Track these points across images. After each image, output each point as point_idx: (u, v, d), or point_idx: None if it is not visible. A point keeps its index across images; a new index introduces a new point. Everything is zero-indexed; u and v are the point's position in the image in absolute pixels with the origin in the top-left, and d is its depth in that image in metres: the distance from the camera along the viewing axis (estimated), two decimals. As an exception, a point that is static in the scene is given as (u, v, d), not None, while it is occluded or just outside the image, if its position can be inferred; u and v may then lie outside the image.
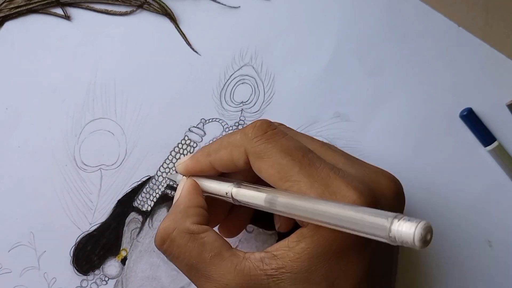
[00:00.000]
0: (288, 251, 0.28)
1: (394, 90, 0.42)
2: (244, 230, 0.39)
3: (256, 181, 0.31)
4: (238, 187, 0.31)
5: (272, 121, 0.33)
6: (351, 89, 0.42)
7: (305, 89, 0.41)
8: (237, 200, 0.31)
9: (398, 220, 0.23)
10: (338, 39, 0.42)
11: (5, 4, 0.40)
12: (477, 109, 0.41)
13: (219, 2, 0.41)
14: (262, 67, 0.41)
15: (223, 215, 0.36)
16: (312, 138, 0.33)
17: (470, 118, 0.41)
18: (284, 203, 0.28)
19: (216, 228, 0.36)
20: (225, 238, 0.30)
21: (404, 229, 0.22)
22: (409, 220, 0.22)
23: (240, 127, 0.41)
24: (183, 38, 0.40)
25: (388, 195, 0.30)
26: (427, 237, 0.22)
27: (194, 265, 0.29)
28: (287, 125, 0.35)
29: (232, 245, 0.30)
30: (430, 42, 0.42)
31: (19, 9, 0.40)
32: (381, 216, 0.23)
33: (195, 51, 0.41)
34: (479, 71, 0.42)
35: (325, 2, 0.42)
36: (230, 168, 0.32)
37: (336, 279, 0.28)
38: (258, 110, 0.41)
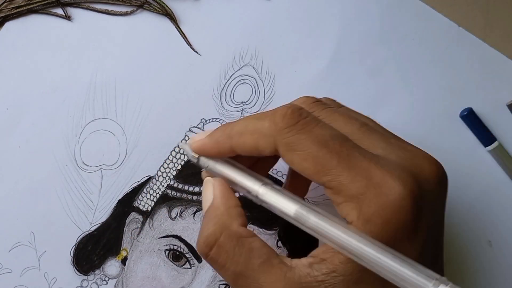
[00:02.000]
0: (338, 253, 0.26)
1: (394, 90, 0.42)
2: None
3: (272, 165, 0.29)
4: (266, 188, 0.29)
5: (304, 97, 0.31)
6: (351, 89, 0.42)
7: (306, 89, 0.41)
8: (262, 202, 0.29)
9: (439, 286, 0.22)
10: (339, 39, 0.42)
11: (5, 4, 0.40)
12: (477, 109, 0.41)
13: None
14: (262, 67, 0.41)
15: None
16: (349, 118, 0.30)
17: (471, 118, 0.41)
18: (315, 224, 0.26)
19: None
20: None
21: None
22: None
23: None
24: (183, 38, 0.40)
25: (431, 180, 0.28)
26: None
27: (242, 272, 0.27)
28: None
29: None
30: (430, 42, 0.42)
31: (19, 9, 0.40)
32: (423, 277, 0.22)
33: (196, 51, 0.41)
34: (479, 71, 0.42)
35: (325, 2, 0.42)
36: (253, 154, 0.29)
37: None
38: (259, 110, 0.41)
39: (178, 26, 0.41)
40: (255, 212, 0.37)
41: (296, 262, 0.27)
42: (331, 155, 0.27)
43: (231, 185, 0.31)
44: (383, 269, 0.24)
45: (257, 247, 0.28)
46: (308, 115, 0.28)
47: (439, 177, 0.29)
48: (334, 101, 0.34)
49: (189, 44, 0.41)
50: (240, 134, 0.29)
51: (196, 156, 0.31)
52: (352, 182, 0.26)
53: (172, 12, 0.41)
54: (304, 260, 0.27)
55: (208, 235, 0.28)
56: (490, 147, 0.41)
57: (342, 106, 0.33)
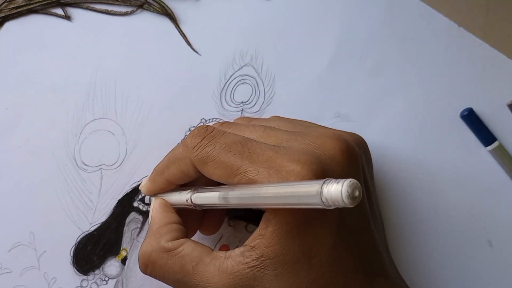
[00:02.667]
0: (262, 238, 0.28)
1: (395, 90, 0.42)
2: (244, 229, 0.39)
3: (217, 183, 0.32)
4: (194, 193, 0.32)
5: (218, 122, 0.34)
6: (352, 89, 0.42)
7: (306, 89, 0.41)
8: (197, 205, 0.32)
9: (327, 185, 0.23)
10: (339, 39, 0.42)
11: (5, 4, 0.40)
12: (477, 109, 0.41)
13: None
14: (262, 67, 0.41)
15: (199, 219, 0.37)
16: (253, 127, 0.33)
17: (471, 118, 0.41)
18: (235, 197, 0.28)
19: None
20: (205, 245, 0.31)
21: (333, 190, 0.23)
22: (336, 182, 0.23)
23: (240, 127, 0.41)
24: (183, 38, 0.40)
25: (336, 156, 0.30)
26: (354, 193, 0.22)
27: (181, 279, 0.30)
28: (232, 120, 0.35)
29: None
30: (430, 42, 0.42)
31: (19, 9, 0.40)
32: (312, 184, 0.24)
33: (195, 51, 0.41)
34: (480, 71, 0.42)
35: (325, 2, 0.42)
36: (186, 180, 0.33)
37: (311, 249, 0.28)
38: (259, 110, 0.41)
39: (178, 26, 0.41)
40: (252, 213, 0.37)
41: (229, 253, 0.29)
42: (235, 157, 0.29)
43: (179, 206, 0.34)
44: (285, 198, 0.25)
45: (187, 253, 0.30)
46: (213, 130, 0.31)
47: (344, 151, 0.30)
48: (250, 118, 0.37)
49: (189, 44, 0.41)
50: (168, 167, 0.33)
51: (148, 197, 0.37)
52: (257, 175, 0.28)
53: (172, 12, 0.41)
54: (236, 250, 0.29)
55: (141, 255, 0.32)
56: (490, 147, 0.41)
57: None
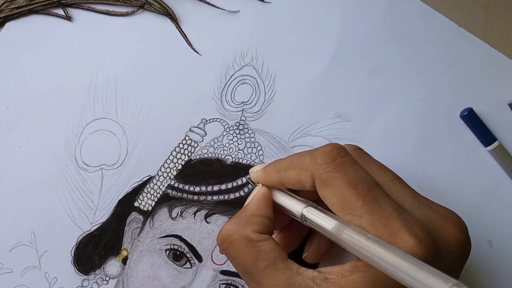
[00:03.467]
0: (341, 278, 0.28)
1: (395, 90, 0.42)
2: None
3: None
4: (309, 209, 0.31)
5: (350, 144, 0.33)
6: (352, 89, 0.42)
7: (306, 89, 0.41)
8: (306, 219, 0.31)
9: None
10: (339, 39, 0.42)
11: (6, 4, 0.40)
12: (477, 109, 0.41)
13: (218, 7, 0.41)
14: (262, 67, 0.41)
15: (285, 222, 0.37)
16: (384, 169, 0.33)
17: (471, 118, 0.41)
18: (349, 238, 0.28)
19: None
20: (283, 250, 0.31)
21: None
22: None
23: (241, 127, 0.41)
24: (184, 38, 0.40)
25: (451, 244, 0.29)
26: None
27: (248, 270, 0.30)
28: (360, 148, 0.35)
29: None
30: (430, 42, 0.42)
31: (20, 10, 0.40)
32: (441, 280, 0.23)
33: (196, 52, 0.41)
34: (480, 71, 0.42)
35: (325, 2, 0.42)
36: (299, 187, 0.32)
37: None
38: (259, 110, 0.41)
39: (179, 26, 0.41)
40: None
41: (302, 270, 0.29)
42: (358, 197, 0.29)
43: (283, 208, 0.33)
44: (403, 274, 0.25)
45: (266, 251, 0.30)
46: (346, 155, 0.30)
47: (461, 241, 0.30)
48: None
49: (190, 44, 0.41)
50: (286, 169, 0.32)
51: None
52: (370, 226, 0.28)
53: (173, 12, 0.41)
54: (310, 272, 0.29)
55: (225, 230, 0.32)
56: (490, 147, 0.41)
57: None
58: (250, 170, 0.36)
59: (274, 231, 0.37)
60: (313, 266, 0.36)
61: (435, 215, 0.30)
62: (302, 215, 0.31)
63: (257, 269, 0.30)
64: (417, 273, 0.24)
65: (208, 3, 0.41)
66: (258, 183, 0.35)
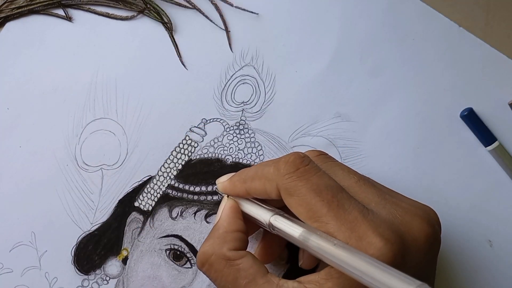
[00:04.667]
0: (318, 286, 0.28)
1: (395, 90, 0.42)
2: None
3: None
4: (276, 217, 0.31)
5: (313, 150, 0.34)
6: (352, 89, 0.42)
7: (306, 89, 0.41)
8: (274, 229, 0.31)
9: None
10: (339, 39, 0.42)
11: (6, 4, 0.40)
12: (477, 109, 0.41)
13: (213, 22, 0.41)
14: (263, 67, 0.41)
15: (256, 229, 0.37)
16: (348, 172, 0.33)
17: (471, 118, 0.41)
18: (315, 245, 0.28)
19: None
20: (263, 264, 0.31)
21: None
22: None
23: (241, 127, 0.41)
24: (175, 48, 0.40)
25: (419, 239, 0.29)
26: None
27: None
28: (327, 153, 0.35)
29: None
30: (431, 42, 0.42)
31: (20, 10, 0.40)
32: (406, 283, 0.23)
33: (184, 65, 0.41)
34: (480, 71, 0.42)
35: (326, 2, 0.42)
36: (264, 197, 0.33)
37: None
38: (259, 110, 0.41)
39: (172, 36, 0.40)
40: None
41: (282, 282, 0.29)
42: (322, 204, 0.29)
43: (251, 217, 0.34)
44: (369, 278, 0.25)
45: (244, 268, 0.30)
46: (309, 163, 0.31)
47: (428, 236, 0.30)
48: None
49: (179, 56, 0.41)
50: (252, 179, 0.33)
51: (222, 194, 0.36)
52: (337, 231, 0.28)
53: (169, 20, 0.41)
54: (290, 283, 0.29)
55: (201, 253, 0.32)
56: (490, 147, 0.41)
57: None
58: (217, 181, 0.36)
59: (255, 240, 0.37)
60: (313, 270, 0.36)
61: (401, 212, 0.30)
62: (270, 224, 0.31)
63: (238, 287, 0.30)
64: (381, 276, 0.24)
65: (207, 18, 0.41)
66: (224, 194, 0.35)
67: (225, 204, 0.34)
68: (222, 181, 0.35)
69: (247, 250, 0.32)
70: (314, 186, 0.29)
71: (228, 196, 0.35)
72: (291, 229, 0.30)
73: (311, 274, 0.29)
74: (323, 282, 0.28)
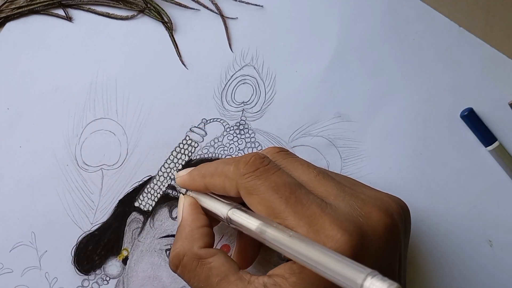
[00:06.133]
0: (285, 280, 0.29)
1: (395, 90, 0.42)
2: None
3: None
4: (234, 211, 0.32)
5: (273, 147, 0.34)
6: (352, 89, 0.42)
7: (306, 89, 0.41)
8: (232, 222, 0.32)
9: (372, 278, 0.23)
10: (339, 39, 0.42)
11: (6, 4, 0.40)
12: (477, 109, 0.41)
13: (216, 13, 0.41)
14: (263, 67, 0.41)
15: (218, 221, 0.36)
16: (308, 166, 0.33)
17: (471, 118, 0.41)
18: (272, 238, 0.28)
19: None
20: (234, 261, 0.31)
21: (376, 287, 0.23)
22: (382, 280, 0.23)
23: (241, 127, 0.41)
24: (175, 48, 0.40)
25: (378, 229, 0.30)
26: None
27: None
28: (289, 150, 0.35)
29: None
30: (431, 42, 0.42)
31: (20, 10, 0.40)
32: (357, 270, 0.24)
33: (184, 64, 0.41)
34: (480, 71, 0.42)
35: (326, 2, 0.42)
36: (222, 193, 0.33)
37: None
38: (259, 110, 0.41)
39: (172, 35, 0.40)
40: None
41: (254, 279, 0.30)
42: (280, 201, 0.29)
43: (209, 212, 0.34)
44: (323, 268, 0.26)
45: (216, 266, 0.31)
46: (269, 163, 0.31)
47: (387, 224, 0.30)
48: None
49: (179, 56, 0.41)
50: (211, 175, 0.33)
51: (180, 189, 0.36)
52: (296, 226, 0.29)
53: (170, 19, 0.41)
54: (261, 278, 0.29)
55: (173, 256, 0.32)
56: (490, 147, 0.41)
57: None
58: (176, 175, 0.36)
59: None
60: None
61: (360, 203, 0.30)
62: (228, 218, 0.32)
63: (211, 285, 0.30)
64: (334, 266, 0.25)
65: (208, 8, 0.41)
66: (183, 188, 0.35)
67: (184, 202, 0.35)
68: (181, 175, 0.35)
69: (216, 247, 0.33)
70: (272, 184, 0.30)
71: (184, 194, 0.35)
72: (248, 222, 0.30)
73: (279, 267, 0.29)
74: (288, 276, 0.29)
